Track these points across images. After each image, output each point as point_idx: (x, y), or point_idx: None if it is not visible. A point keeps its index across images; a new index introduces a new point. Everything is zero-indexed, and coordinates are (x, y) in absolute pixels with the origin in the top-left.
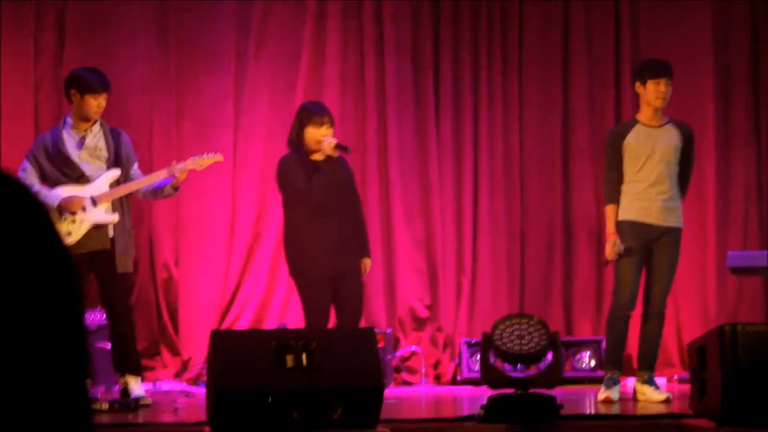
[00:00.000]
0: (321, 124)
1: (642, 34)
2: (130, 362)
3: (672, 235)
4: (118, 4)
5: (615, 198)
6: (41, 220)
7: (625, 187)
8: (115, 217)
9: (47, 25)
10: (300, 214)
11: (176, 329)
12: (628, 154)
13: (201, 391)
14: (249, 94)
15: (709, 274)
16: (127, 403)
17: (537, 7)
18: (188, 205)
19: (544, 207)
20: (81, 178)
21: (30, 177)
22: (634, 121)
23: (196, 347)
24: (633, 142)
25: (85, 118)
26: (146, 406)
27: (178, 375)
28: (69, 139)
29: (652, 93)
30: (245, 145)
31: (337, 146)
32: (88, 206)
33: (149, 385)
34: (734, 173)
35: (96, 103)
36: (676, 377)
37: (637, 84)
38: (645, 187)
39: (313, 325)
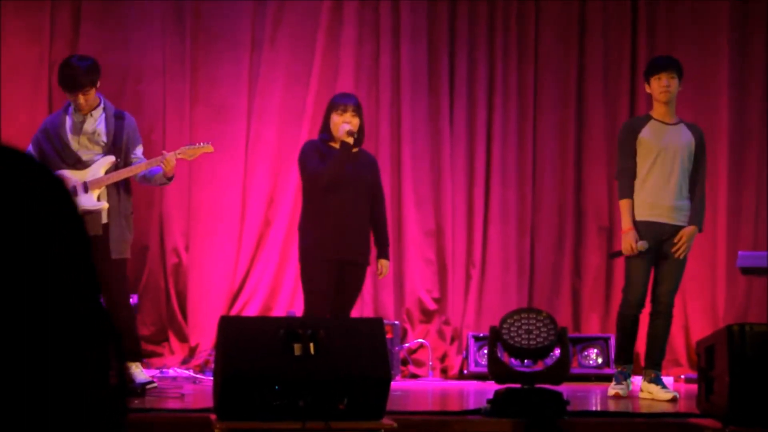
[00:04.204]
0: (344, 111)
1: (657, 24)
2: (130, 348)
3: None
4: None
5: (630, 192)
6: (63, 214)
7: (637, 185)
8: (103, 205)
9: (63, 7)
10: (311, 197)
11: (185, 315)
12: (641, 149)
13: (208, 379)
14: (264, 80)
15: (719, 273)
16: (133, 388)
17: None
18: (200, 191)
19: (556, 200)
20: (78, 164)
21: None
22: (648, 117)
23: (204, 334)
24: (647, 136)
25: None
26: (153, 388)
27: (185, 362)
28: (69, 123)
29: (656, 89)
30: (258, 131)
31: (348, 132)
32: (80, 192)
33: (155, 372)
34: (747, 172)
35: (79, 98)
36: (683, 376)
37: (646, 85)
38: (657, 185)
39: (310, 310)
